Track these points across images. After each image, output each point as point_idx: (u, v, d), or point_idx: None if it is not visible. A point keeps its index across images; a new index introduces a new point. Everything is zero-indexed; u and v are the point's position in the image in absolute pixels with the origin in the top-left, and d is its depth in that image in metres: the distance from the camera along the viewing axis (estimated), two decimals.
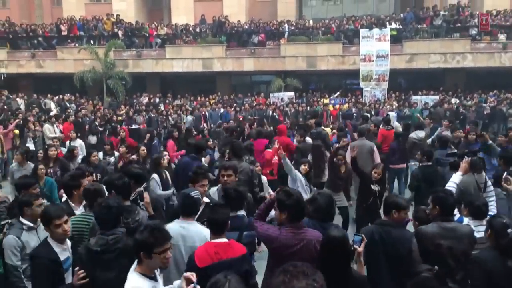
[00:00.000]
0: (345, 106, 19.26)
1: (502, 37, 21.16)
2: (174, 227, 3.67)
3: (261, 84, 25.88)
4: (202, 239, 3.55)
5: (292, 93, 21.37)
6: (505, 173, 4.83)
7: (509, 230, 3.17)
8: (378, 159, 8.35)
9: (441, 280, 2.77)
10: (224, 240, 3.29)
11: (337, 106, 19.34)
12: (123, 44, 22.38)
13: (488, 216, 3.92)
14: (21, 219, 3.91)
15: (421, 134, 9.80)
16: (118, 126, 12.79)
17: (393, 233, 3.71)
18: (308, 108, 18.40)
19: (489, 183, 4.12)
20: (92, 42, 23.02)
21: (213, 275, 2.71)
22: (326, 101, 20.24)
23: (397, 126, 11.87)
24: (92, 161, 7.28)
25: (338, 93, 21.52)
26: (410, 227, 4.25)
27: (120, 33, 23.24)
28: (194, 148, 6.89)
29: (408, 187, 7.20)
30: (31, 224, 3.90)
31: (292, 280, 1.90)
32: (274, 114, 17.24)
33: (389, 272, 3.55)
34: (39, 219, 3.84)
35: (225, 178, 5.00)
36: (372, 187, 6.04)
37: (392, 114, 15.96)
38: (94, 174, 6.36)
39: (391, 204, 3.80)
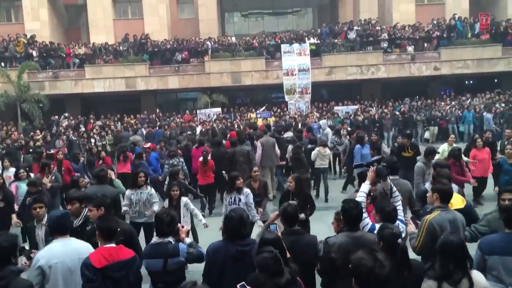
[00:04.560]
0: (271, 119, 19.65)
1: (410, 49, 22.91)
2: (55, 246, 3.78)
3: (188, 101, 25.77)
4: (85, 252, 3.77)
5: (219, 109, 21.50)
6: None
7: (399, 241, 3.25)
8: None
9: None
10: (113, 245, 3.62)
11: (265, 119, 19.66)
12: (37, 65, 21.21)
13: (397, 221, 4.17)
14: None
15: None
16: (43, 150, 12.07)
17: (301, 241, 3.93)
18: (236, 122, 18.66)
19: (394, 188, 4.38)
20: (3, 64, 21.60)
21: (109, 274, 3.41)
22: (253, 115, 20.53)
23: (328, 132, 13.96)
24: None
25: (264, 107, 21.96)
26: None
27: (34, 53, 22.05)
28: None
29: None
30: None
31: None
32: (203, 129, 17.20)
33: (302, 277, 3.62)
34: None
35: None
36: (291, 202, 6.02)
37: (324, 122, 16.87)
38: None
39: None
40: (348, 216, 3.75)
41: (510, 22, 23.02)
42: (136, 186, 6.72)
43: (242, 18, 32.57)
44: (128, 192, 6.80)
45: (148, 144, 12.43)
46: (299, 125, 16.71)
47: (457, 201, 4.56)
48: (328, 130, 14.39)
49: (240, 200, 6.37)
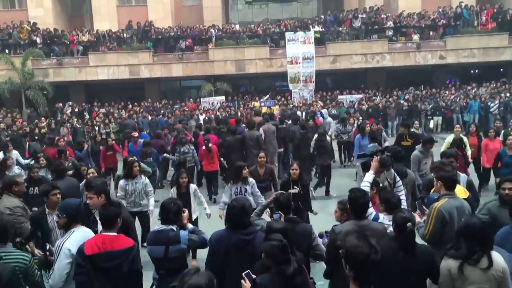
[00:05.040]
0: (275, 107, 19.60)
1: (415, 37, 22.68)
2: (79, 234, 3.82)
3: (192, 89, 25.71)
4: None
5: (222, 97, 21.43)
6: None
7: (408, 224, 3.34)
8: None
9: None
10: (113, 233, 3.59)
11: (269, 108, 19.61)
12: (41, 52, 21.17)
13: None
14: None
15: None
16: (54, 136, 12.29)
17: (296, 229, 3.98)
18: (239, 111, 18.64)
19: (398, 178, 4.39)
20: (7, 51, 21.60)
21: (98, 263, 3.41)
22: (256, 104, 20.47)
23: (330, 121, 14.51)
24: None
25: (267, 96, 21.90)
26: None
27: (38, 40, 22.01)
28: None
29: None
30: None
31: None
32: (206, 118, 17.23)
33: None
34: None
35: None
36: (291, 191, 5.92)
37: (325, 111, 16.98)
38: None
39: None
40: (355, 205, 3.77)
41: None
42: (131, 176, 6.69)
43: (246, 5, 32.16)
44: (122, 182, 6.70)
45: (136, 134, 12.40)
46: (303, 114, 16.76)
47: (460, 192, 4.57)
48: (330, 119, 14.67)
49: (246, 190, 6.34)
